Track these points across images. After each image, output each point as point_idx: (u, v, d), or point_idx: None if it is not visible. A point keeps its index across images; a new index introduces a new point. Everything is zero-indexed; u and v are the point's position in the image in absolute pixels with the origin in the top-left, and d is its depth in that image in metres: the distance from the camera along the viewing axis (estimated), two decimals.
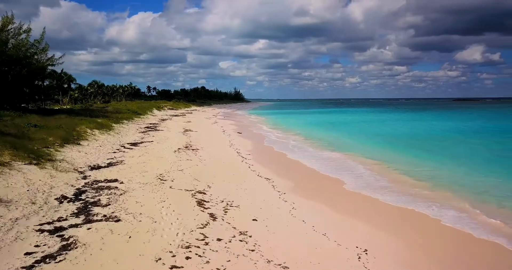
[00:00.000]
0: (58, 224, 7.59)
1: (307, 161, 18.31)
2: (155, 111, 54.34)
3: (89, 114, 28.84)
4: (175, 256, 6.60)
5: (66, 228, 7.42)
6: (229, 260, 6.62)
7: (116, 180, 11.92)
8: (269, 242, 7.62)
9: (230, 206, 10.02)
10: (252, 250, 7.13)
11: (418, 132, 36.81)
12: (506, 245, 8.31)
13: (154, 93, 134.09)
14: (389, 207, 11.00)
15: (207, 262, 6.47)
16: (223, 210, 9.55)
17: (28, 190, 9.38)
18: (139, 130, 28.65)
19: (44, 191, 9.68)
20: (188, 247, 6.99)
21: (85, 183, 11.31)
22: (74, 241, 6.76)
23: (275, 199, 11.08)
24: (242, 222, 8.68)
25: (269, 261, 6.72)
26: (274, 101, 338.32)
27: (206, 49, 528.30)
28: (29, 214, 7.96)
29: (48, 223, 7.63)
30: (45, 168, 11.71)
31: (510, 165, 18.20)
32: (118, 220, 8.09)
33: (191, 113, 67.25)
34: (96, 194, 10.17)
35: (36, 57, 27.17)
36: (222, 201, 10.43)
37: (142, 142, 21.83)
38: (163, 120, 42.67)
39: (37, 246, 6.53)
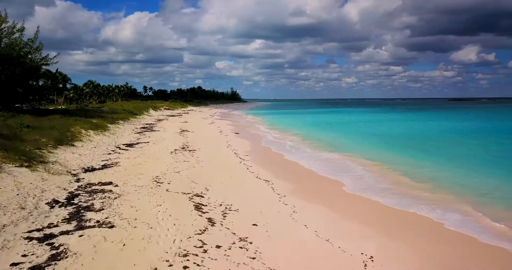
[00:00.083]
0: (48, 231, 7.20)
1: (305, 162, 18.03)
2: (151, 111, 53.89)
3: (84, 115, 28.39)
4: (172, 265, 6.24)
5: (57, 236, 7.03)
6: None
7: (110, 183, 11.54)
8: (270, 249, 7.29)
9: (229, 210, 9.68)
10: (253, 258, 6.79)
11: (416, 132, 36.70)
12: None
13: (150, 93, 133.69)
14: (391, 210, 10.74)
15: None
16: (222, 214, 9.21)
17: (18, 194, 8.98)
18: (135, 131, 28.24)
19: (35, 195, 9.28)
20: (185, 255, 6.64)
21: (78, 186, 10.92)
22: (64, 250, 6.37)
23: (275, 202, 10.76)
24: (242, 227, 8.35)
25: None
26: (271, 101, 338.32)
27: (202, 49, 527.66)
28: (18, 220, 7.56)
29: (38, 230, 7.23)
30: (37, 170, 11.31)
31: (511, 166, 18.03)
32: (112, 226, 7.71)
33: (188, 113, 66.82)
34: (90, 198, 9.79)
35: (30, 56, 26.68)
36: (221, 204, 10.10)
37: (138, 143, 21.44)
38: (159, 120, 42.26)
39: (24, 255, 6.13)
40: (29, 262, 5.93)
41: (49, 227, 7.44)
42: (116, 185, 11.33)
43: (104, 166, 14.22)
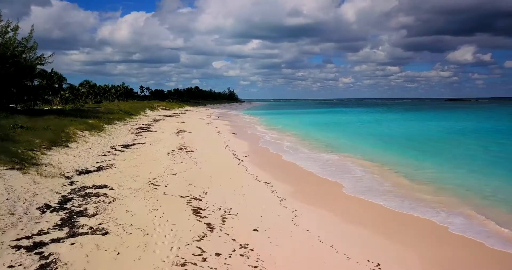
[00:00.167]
0: (38, 239, 6.81)
1: (304, 163, 17.73)
2: (148, 112, 53.44)
3: (79, 115, 27.93)
4: None
5: (47, 244, 6.64)
6: None
7: (105, 186, 11.16)
8: (272, 256, 6.95)
9: (228, 214, 9.33)
10: (255, 267, 6.44)
11: (415, 132, 36.48)
12: None
13: (147, 93, 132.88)
14: (394, 214, 10.46)
15: None
16: (221, 219, 8.86)
17: (7, 199, 8.57)
18: (131, 131, 27.81)
19: (26, 199, 8.88)
20: (183, 264, 6.28)
21: (72, 190, 10.52)
22: (54, 260, 5.98)
23: (276, 206, 10.42)
24: (242, 233, 8.00)
25: None
26: (268, 101, 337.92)
27: (199, 49, 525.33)
28: (6, 227, 7.16)
29: (27, 237, 6.84)
30: (29, 173, 10.91)
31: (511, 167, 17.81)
32: (106, 233, 7.34)
33: (185, 113, 66.35)
34: (83, 202, 9.40)
35: (24, 56, 26.16)
36: (220, 208, 9.74)
37: (134, 144, 21.04)
38: (156, 120, 41.82)
39: (11, 266, 5.74)
40: None
41: (39, 234, 7.05)
42: (111, 188, 10.95)
43: (99, 168, 13.83)
